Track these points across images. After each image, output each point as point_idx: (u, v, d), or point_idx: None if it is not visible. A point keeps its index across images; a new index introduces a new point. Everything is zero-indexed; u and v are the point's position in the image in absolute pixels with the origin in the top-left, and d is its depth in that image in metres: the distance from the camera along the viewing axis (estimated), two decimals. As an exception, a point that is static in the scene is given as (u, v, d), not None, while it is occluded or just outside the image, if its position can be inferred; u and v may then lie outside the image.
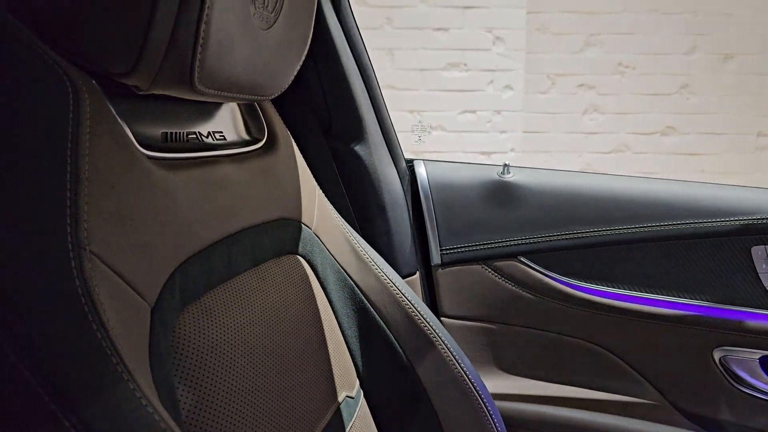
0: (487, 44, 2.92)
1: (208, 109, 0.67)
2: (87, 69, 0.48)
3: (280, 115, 0.82)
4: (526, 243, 1.13)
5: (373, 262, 0.83)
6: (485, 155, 2.99)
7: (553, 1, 2.97)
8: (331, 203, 0.86)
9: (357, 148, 1.06)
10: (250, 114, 0.76)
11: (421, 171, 1.19)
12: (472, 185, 1.17)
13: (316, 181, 0.84)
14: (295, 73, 0.68)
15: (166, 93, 0.52)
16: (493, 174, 1.17)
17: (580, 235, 1.11)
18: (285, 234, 0.72)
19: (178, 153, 0.58)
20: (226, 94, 0.56)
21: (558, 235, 1.12)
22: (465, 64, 2.94)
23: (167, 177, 0.53)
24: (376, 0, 2.88)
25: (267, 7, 0.58)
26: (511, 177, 1.16)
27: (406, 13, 2.90)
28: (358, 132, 1.07)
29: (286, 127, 0.82)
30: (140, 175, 0.50)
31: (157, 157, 0.54)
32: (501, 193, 1.15)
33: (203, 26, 0.48)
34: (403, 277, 1.10)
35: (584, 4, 2.98)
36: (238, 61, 0.54)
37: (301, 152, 0.83)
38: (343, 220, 0.86)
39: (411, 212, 1.16)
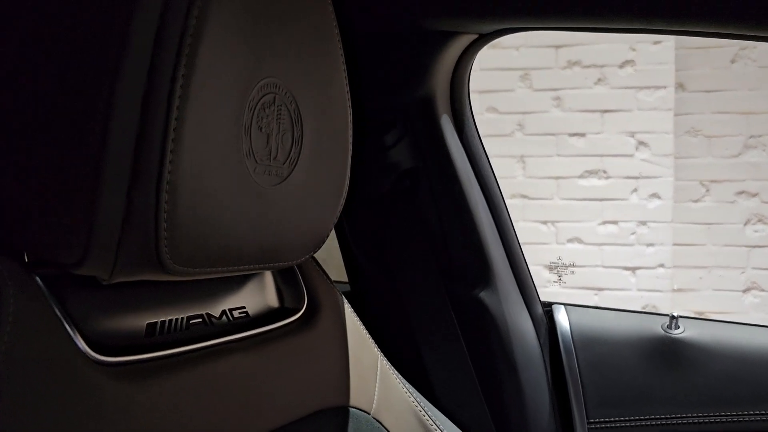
0: (629, 149, 2.67)
1: (223, 280, 0.55)
2: (37, 260, 0.42)
3: (382, 243, 0.67)
4: (703, 422, 0.86)
5: None
6: (629, 271, 2.68)
7: (704, 103, 2.70)
8: (447, 361, 0.68)
9: (482, 294, 0.87)
10: (284, 276, 0.63)
11: (561, 319, 0.96)
12: (628, 340, 0.93)
13: (427, 332, 0.67)
14: (334, 222, 0.58)
15: (136, 279, 0.44)
16: (657, 327, 0.92)
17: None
18: (327, 428, 0.57)
19: (166, 350, 0.47)
20: (221, 269, 0.47)
21: (746, 415, 0.85)
22: (605, 171, 2.70)
23: (132, 391, 0.43)
24: (507, 106, 2.74)
25: (277, 158, 0.50)
26: (680, 333, 0.90)
27: (539, 118, 2.74)
28: (484, 274, 0.88)
29: (391, 260, 0.67)
30: (77, 397, 0.40)
31: (123, 362, 0.44)
32: (668, 354, 0.90)
33: (165, 195, 0.41)
34: (540, 459, 0.87)
35: (740, 104, 2.68)
36: (230, 228, 0.47)
37: (407, 293, 0.68)
38: (417, 394, 0.67)
39: (549, 372, 0.93)
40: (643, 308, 2.70)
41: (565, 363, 0.93)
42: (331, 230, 0.61)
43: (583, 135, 2.71)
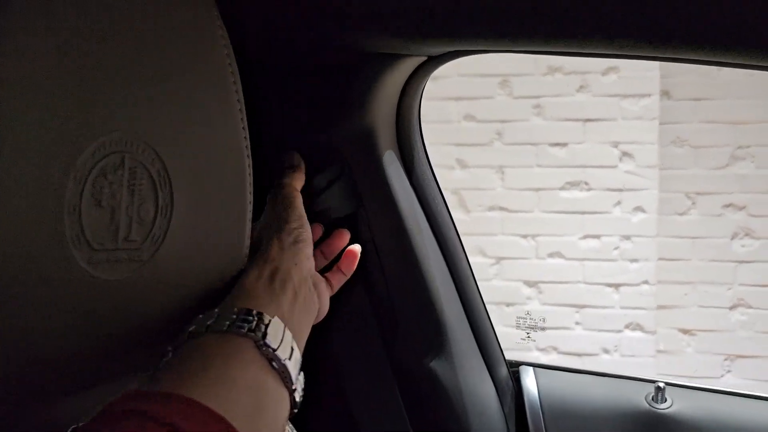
0: (612, 160, 2.56)
1: None
2: None
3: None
4: None
5: None
6: (612, 287, 2.56)
7: (690, 111, 2.59)
8: None
9: (434, 363, 0.73)
10: None
11: (529, 383, 0.83)
12: (607, 412, 0.79)
13: (365, 409, 0.64)
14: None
15: None
16: (640, 398, 0.78)
17: None
18: None
19: None
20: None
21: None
22: (587, 183, 2.58)
23: None
24: (486, 114, 2.61)
25: (129, 238, 0.40)
26: (668, 407, 0.77)
27: (519, 127, 2.61)
28: (436, 338, 0.74)
29: (325, 323, 0.56)
30: None
31: None
32: (652, 431, 0.76)
33: None
34: None
35: (728, 113, 2.57)
36: (64, 341, 0.37)
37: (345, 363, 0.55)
38: None
39: (515, 449, 0.80)
40: (627, 326, 2.58)
41: (533, 438, 0.79)
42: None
43: (564, 145, 2.59)
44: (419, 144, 0.76)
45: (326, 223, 0.68)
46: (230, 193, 0.46)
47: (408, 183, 0.74)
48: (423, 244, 0.74)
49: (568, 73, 2.56)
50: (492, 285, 2.61)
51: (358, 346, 0.74)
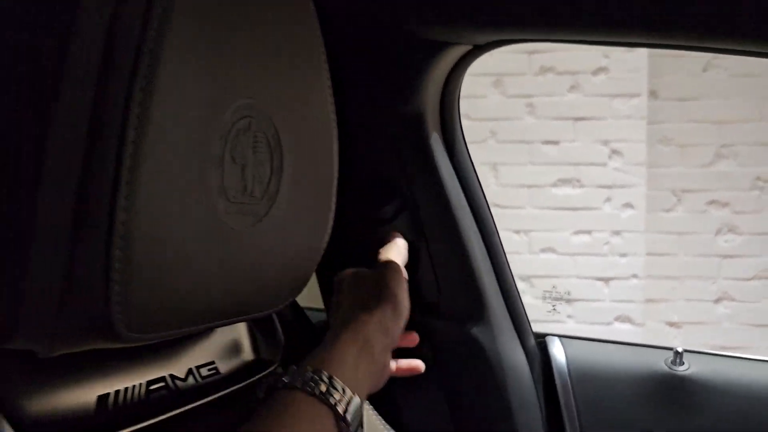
0: (603, 158, 2.64)
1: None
2: None
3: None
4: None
5: None
6: (603, 281, 2.65)
7: (677, 111, 2.68)
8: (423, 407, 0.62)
9: (475, 330, 0.79)
10: (259, 323, 0.57)
11: (557, 352, 0.89)
12: (629, 376, 0.86)
13: (407, 376, 0.64)
14: (317, 262, 0.51)
15: (82, 350, 0.36)
16: (660, 362, 0.85)
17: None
18: None
19: (121, 428, 0.41)
20: (186, 329, 0.41)
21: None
22: (578, 180, 2.66)
23: None
24: (480, 113, 2.68)
25: (253, 194, 0.44)
26: (685, 369, 0.84)
27: (512, 125, 2.69)
28: (476, 308, 0.80)
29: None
30: None
31: None
32: (672, 392, 0.83)
33: (116, 250, 0.33)
34: None
35: (714, 113, 2.67)
36: (197, 282, 0.40)
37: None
38: None
39: (544, 411, 0.86)
40: (616, 318, 2.67)
41: (561, 401, 0.86)
42: (314, 271, 0.53)
43: (556, 143, 2.67)
44: (459, 130, 0.82)
45: (377, 198, 0.74)
46: (323, 163, 0.51)
47: (450, 165, 0.80)
48: (464, 222, 0.80)
49: (560, 73, 2.64)
50: (486, 279, 2.68)
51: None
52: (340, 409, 0.47)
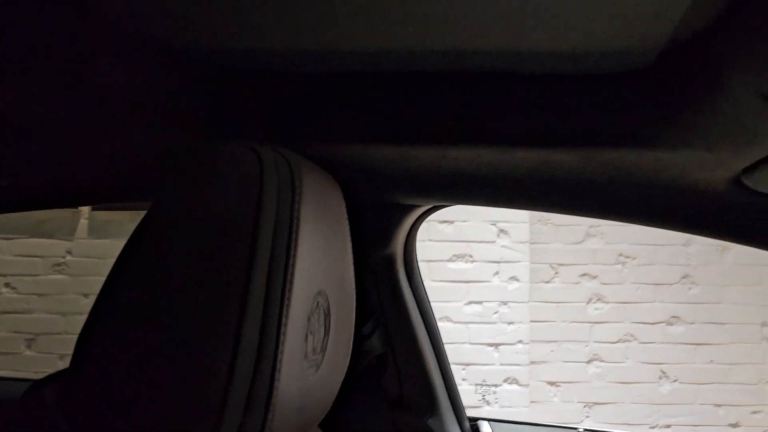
0: (492, 236, 2.95)
1: None
2: None
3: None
4: None
5: None
6: (493, 347, 2.93)
7: (553, 195, 3.04)
8: None
9: (430, 420, 1.00)
10: None
11: (486, 434, 1.12)
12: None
13: None
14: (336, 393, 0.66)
15: None
16: (568, 441, 1.10)
17: None
18: None
19: None
20: None
21: None
22: (471, 255, 2.95)
23: None
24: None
25: (315, 351, 0.59)
26: (586, 445, 1.09)
27: (412, 205, 2.94)
28: (430, 401, 1.01)
29: (346, 392, 0.78)
30: None
31: None
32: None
33: (276, 383, 0.49)
34: None
35: (582, 197, 3.05)
36: (293, 407, 0.54)
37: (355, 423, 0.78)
38: None
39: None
40: (505, 380, 2.95)
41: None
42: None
43: (451, 222, 2.95)
44: (416, 263, 1.04)
45: (358, 323, 0.94)
46: (348, 316, 0.70)
47: (410, 290, 1.02)
48: (420, 333, 1.01)
49: (455, 161, 2.94)
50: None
51: (369, 411, 0.99)
52: None
